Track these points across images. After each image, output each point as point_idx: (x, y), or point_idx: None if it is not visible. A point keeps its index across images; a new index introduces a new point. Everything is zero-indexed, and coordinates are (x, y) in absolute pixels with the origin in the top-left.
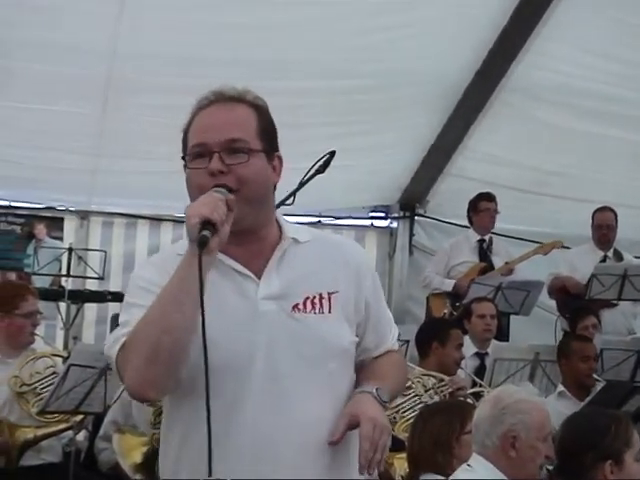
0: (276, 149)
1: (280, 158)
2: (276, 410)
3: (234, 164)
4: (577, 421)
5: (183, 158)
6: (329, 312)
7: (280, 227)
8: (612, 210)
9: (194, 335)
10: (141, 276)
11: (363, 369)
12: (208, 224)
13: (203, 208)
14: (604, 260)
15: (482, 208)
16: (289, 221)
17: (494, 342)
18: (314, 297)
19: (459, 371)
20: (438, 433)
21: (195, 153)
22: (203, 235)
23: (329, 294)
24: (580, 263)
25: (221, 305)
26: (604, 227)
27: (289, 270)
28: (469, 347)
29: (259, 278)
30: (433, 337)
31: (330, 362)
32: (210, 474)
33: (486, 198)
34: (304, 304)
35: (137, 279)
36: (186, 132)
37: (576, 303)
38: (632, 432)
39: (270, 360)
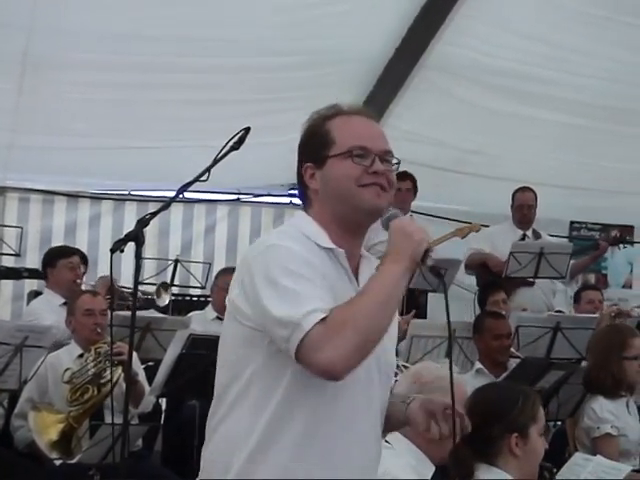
0: None
1: None
2: (366, 413)
3: (388, 170)
4: (486, 393)
5: (321, 153)
6: None
7: None
8: (532, 190)
9: None
10: (294, 249)
11: None
12: (428, 250)
13: (426, 237)
14: (523, 239)
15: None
16: None
17: (413, 320)
18: None
19: None
20: None
21: (357, 153)
22: (434, 266)
23: None
24: (499, 241)
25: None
26: (525, 207)
27: (366, 276)
28: None
29: (356, 279)
30: None
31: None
32: None
33: (398, 177)
34: None
35: (291, 251)
36: (325, 132)
37: (487, 279)
38: (539, 407)
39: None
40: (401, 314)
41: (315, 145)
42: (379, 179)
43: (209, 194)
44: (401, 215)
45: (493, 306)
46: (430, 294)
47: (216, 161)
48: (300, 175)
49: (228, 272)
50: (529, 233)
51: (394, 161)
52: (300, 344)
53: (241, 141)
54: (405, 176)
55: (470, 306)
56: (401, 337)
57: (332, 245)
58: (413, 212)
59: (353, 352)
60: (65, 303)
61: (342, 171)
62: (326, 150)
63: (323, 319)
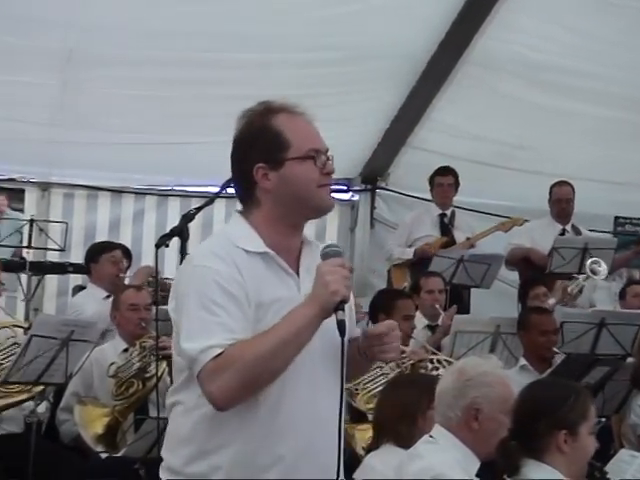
0: None
1: None
2: (317, 394)
3: None
4: (536, 388)
5: (277, 155)
6: None
7: None
8: (569, 184)
9: None
10: (216, 270)
11: None
12: (343, 302)
13: (344, 290)
14: (563, 234)
15: (436, 183)
16: None
17: (457, 316)
18: None
19: (411, 341)
20: (405, 405)
21: (310, 155)
22: (342, 320)
23: None
24: (540, 236)
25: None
26: (563, 201)
27: (309, 267)
28: (420, 320)
29: (296, 273)
30: (379, 309)
31: (337, 359)
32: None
33: (441, 172)
34: None
35: (211, 273)
36: (279, 132)
37: (529, 274)
38: (589, 405)
39: (313, 351)
40: (444, 309)
41: (267, 146)
42: (329, 179)
43: None
44: (336, 254)
45: (534, 300)
46: (473, 289)
47: None
48: (244, 174)
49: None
50: (568, 228)
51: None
52: (198, 376)
53: None
54: (447, 171)
55: (514, 302)
56: (445, 332)
57: (265, 249)
58: (455, 207)
59: (235, 389)
60: (108, 296)
61: (304, 173)
62: (283, 152)
63: (218, 355)
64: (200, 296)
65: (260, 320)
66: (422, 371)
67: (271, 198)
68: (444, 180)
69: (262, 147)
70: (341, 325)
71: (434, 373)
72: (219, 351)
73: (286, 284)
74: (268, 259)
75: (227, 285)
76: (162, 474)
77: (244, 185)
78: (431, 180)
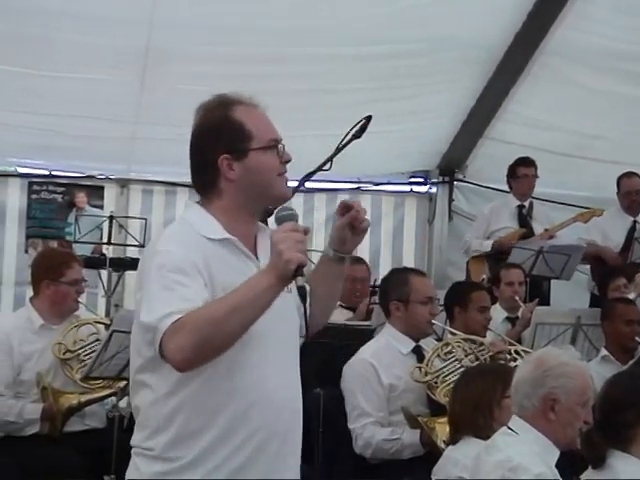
0: None
1: None
2: (281, 372)
3: None
4: (622, 379)
5: (240, 146)
6: (290, 291)
7: None
8: (638, 175)
9: None
10: (178, 254)
11: None
12: (300, 267)
13: (300, 255)
14: (634, 226)
15: (520, 174)
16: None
17: (537, 307)
18: None
19: (489, 333)
20: (480, 396)
21: (271, 145)
22: (301, 287)
23: None
24: (610, 230)
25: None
26: (633, 193)
27: (266, 249)
28: (500, 312)
29: (255, 255)
30: (454, 301)
31: (296, 337)
32: None
33: (524, 163)
34: None
35: (174, 256)
36: (236, 123)
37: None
38: None
39: (273, 328)
40: (524, 302)
41: (230, 137)
42: (285, 168)
43: (329, 183)
44: (289, 217)
45: (615, 292)
46: (553, 281)
47: (339, 150)
48: (207, 165)
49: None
50: (639, 219)
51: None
52: (160, 344)
53: (363, 129)
54: (530, 162)
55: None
56: (525, 325)
57: (227, 235)
58: (533, 198)
59: (188, 350)
60: None
61: (267, 163)
62: (246, 143)
63: (177, 320)
64: (161, 278)
65: None
66: (501, 362)
67: (234, 188)
68: (528, 171)
69: (225, 138)
70: (301, 290)
71: (513, 364)
72: (178, 317)
73: (249, 268)
74: (230, 245)
75: (188, 268)
76: (139, 460)
77: (206, 176)
78: (513, 171)
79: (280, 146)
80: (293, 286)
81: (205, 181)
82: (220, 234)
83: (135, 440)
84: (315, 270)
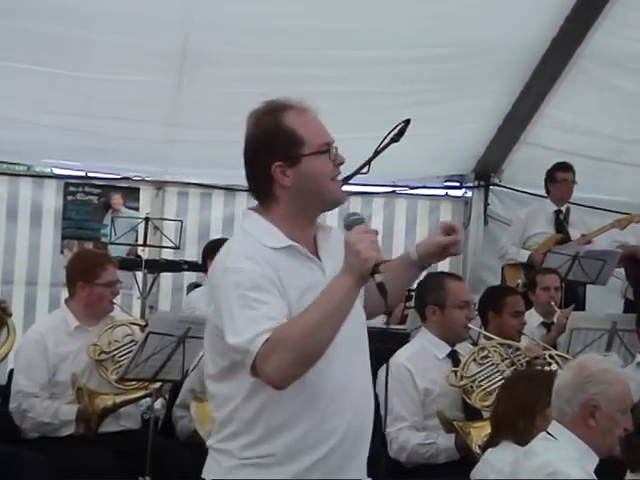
0: None
1: None
2: (353, 380)
3: None
4: None
5: (293, 152)
6: None
7: None
8: None
9: None
10: (251, 270)
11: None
12: (378, 265)
13: (376, 254)
14: None
15: (559, 179)
16: None
17: (573, 313)
18: None
19: (524, 338)
20: (525, 401)
21: (323, 150)
22: (381, 283)
23: None
24: None
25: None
26: None
27: (329, 249)
28: (535, 317)
29: (317, 257)
30: (488, 306)
31: (364, 330)
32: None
33: (563, 168)
34: None
35: (247, 273)
36: (292, 130)
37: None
38: None
39: (345, 330)
40: (560, 307)
41: (283, 144)
42: (339, 170)
43: (365, 187)
44: (359, 221)
45: None
46: (589, 286)
47: (377, 153)
48: (262, 173)
49: None
50: None
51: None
52: (253, 365)
53: (402, 133)
54: (569, 167)
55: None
56: (560, 331)
57: (289, 242)
58: (570, 203)
59: (288, 367)
60: None
61: (320, 168)
62: (298, 149)
63: (267, 340)
64: (240, 297)
65: (301, 309)
66: (538, 368)
67: (289, 194)
68: (567, 176)
69: (278, 145)
70: (381, 287)
71: (547, 369)
72: (267, 336)
73: (314, 272)
74: (293, 251)
75: (262, 283)
76: (217, 455)
77: (262, 183)
78: (551, 176)
79: (333, 149)
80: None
81: (261, 189)
82: (283, 242)
83: (212, 442)
84: (390, 266)
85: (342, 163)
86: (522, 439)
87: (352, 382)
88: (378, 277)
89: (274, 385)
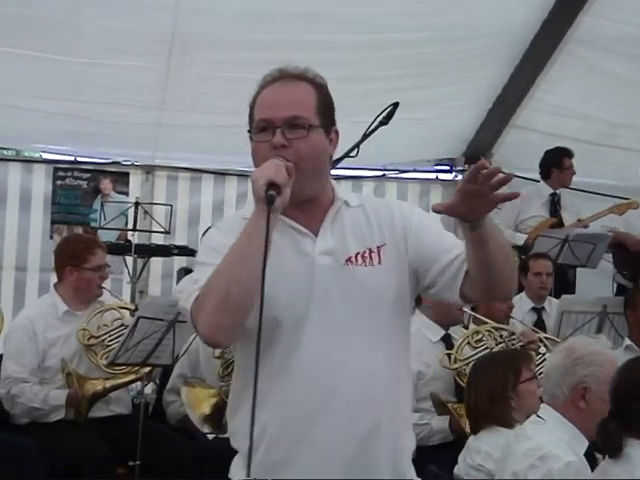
0: (333, 123)
1: (337, 132)
2: (330, 359)
3: (294, 139)
4: (633, 366)
5: (249, 131)
6: (379, 263)
7: (334, 193)
8: None
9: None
10: (212, 239)
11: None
12: (273, 185)
13: (268, 171)
14: None
15: (567, 165)
16: (341, 188)
17: (563, 296)
18: (364, 252)
19: (515, 322)
20: (493, 388)
21: (260, 127)
22: (270, 194)
23: (378, 247)
24: (634, 219)
25: (281, 261)
26: None
27: (341, 229)
28: (526, 302)
29: (316, 236)
30: None
31: (380, 311)
32: (252, 424)
33: (569, 154)
34: (355, 257)
35: (209, 241)
36: (252, 107)
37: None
38: None
39: (325, 309)
40: (551, 291)
41: (249, 121)
42: (281, 153)
43: (355, 170)
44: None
45: None
46: (579, 269)
47: (366, 136)
48: None
49: None
50: None
51: (311, 124)
52: (192, 323)
53: (390, 116)
54: (572, 154)
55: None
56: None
57: None
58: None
59: (212, 315)
60: None
61: (255, 151)
62: (250, 124)
63: (197, 296)
64: (196, 264)
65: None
66: (533, 353)
67: None
68: (572, 162)
69: (249, 120)
70: (269, 199)
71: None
72: (197, 293)
73: (298, 243)
74: (278, 223)
75: (220, 248)
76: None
77: None
78: (559, 162)
79: (273, 128)
80: (387, 259)
81: None
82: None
83: None
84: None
85: (277, 147)
86: (504, 422)
87: (338, 364)
88: (269, 194)
89: (206, 340)
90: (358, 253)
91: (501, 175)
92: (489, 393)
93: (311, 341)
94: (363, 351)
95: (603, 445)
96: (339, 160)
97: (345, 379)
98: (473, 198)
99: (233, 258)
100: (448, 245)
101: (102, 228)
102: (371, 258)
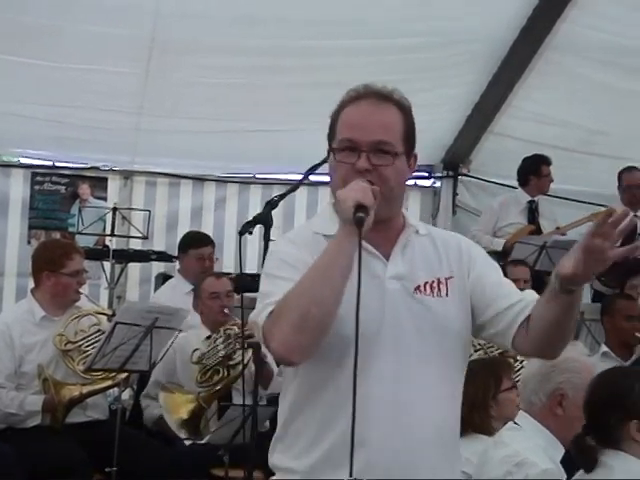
0: (414, 147)
1: (416, 156)
2: (398, 385)
3: (380, 165)
4: (603, 380)
5: (329, 144)
6: (446, 295)
7: (404, 218)
8: (639, 169)
9: (339, 308)
10: (285, 251)
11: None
12: (361, 207)
13: (354, 193)
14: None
15: (545, 173)
16: (409, 215)
17: None
18: (432, 282)
19: None
20: (473, 396)
21: (344, 147)
22: (360, 216)
23: (446, 279)
24: None
25: (352, 281)
26: (634, 187)
27: (412, 256)
28: None
29: (387, 259)
30: None
31: (446, 342)
32: (352, 436)
33: (547, 162)
34: (424, 287)
35: (280, 254)
36: (334, 121)
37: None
38: None
39: (395, 334)
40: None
41: (329, 134)
42: (364, 177)
43: None
44: None
45: (631, 290)
46: None
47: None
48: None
49: None
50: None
51: (396, 152)
52: (264, 342)
53: None
54: (550, 161)
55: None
56: None
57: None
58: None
59: (289, 334)
60: (194, 289)
61: (336, 170)
62: (330, 141)
63: (272, 311)
64: (267, 276)
65: None
66: (511, 361)
67: None
68: (550, 170)
69: (329, 135)
70: (358, 221)
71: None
72: (271, 308)
73: (367, 263)
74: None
75: (291, 261)
76: None
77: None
78: (537, 169)
79: (359, 152)
80: (454, 292)
81: None
82: (333, 231)
83: None
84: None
85: (360, 171)
86: (483, 429)
87: (407, 403)
88: (358, 216)
89: (282, 359)
90: (427, 282)
91: (627, 221)
92: (469, 401)
93: (381, 365)
94: (428, 378)
95: (578, 461)
96: (317, 166)
97: (415, 419)
98: (592, 256)
99: (315, 278)
100: (506, 291)
101: (80, 233)
102: (439, 289)
